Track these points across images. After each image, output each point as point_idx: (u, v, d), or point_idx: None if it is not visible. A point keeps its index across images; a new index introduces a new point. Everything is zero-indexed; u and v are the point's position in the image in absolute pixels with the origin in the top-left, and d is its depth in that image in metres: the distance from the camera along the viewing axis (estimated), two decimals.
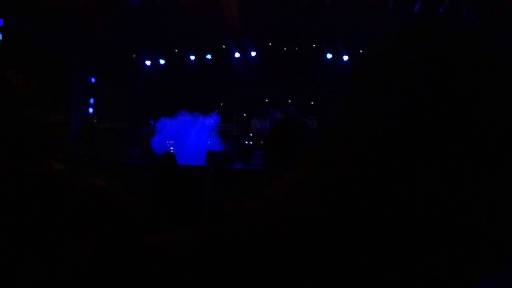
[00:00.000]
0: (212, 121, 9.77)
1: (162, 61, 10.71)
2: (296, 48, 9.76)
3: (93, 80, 10.65)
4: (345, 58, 9.78)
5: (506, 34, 6.74)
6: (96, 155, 8.37)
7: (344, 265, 0.35)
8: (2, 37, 7.50)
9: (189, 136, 9.71)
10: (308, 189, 0.37)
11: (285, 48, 9.73)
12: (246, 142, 10.33)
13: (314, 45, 9.70)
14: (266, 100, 11.51)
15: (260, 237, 0.37)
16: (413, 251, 0.34)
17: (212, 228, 0.43)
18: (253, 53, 9.88)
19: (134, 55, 10.61)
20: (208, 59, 10.48)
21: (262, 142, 9.68)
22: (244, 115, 11.28)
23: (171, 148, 9.72)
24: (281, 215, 0.37)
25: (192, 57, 10.48)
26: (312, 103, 11.26)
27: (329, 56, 9.87)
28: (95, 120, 10.31)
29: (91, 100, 10.76)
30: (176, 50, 10.49)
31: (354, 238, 0.34)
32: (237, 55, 10.17)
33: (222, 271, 0.38)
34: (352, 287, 0.35)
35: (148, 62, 10.75)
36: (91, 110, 10.81)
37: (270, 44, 9.68)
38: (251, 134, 10.72)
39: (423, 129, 0.34)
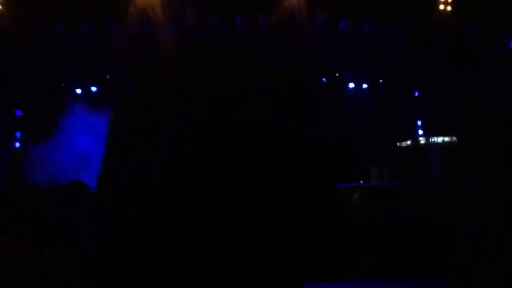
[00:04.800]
0: None
1: (94, 88, 10.42)
2: None
3: (18, 113, 10.05)
4: None
5: None
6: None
7: None
8: None
9: None
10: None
11: None
12: None
13: None
14: None
15: None
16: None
17: None
18: None
19: (63, 84, 10.21)
20: None
21: None
22: None
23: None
24: None
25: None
26: None
27: None
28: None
29: (18, 134, 10.15)
30: (108, 76, 10.28)
31: None
32: None
33: None
34: None
35: (79, 91, 10.38)
36: (17, 144, 10.18)
37: None
38: None
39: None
